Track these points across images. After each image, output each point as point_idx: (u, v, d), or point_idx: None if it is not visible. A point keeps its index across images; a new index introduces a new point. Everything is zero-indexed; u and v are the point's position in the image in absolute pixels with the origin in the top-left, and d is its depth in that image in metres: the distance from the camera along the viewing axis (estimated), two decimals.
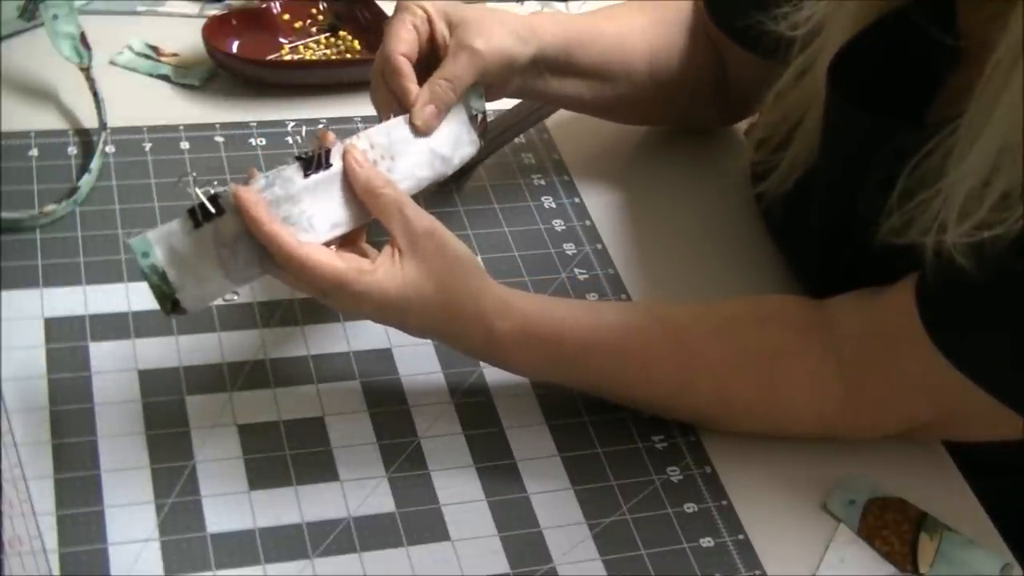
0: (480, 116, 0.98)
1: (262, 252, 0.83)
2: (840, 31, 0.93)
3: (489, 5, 1.32)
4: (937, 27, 0.88)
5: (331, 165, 0.87)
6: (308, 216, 0.85)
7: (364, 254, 0.88)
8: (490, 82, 0.98)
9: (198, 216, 0.82)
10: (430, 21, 0.96)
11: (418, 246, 0.86)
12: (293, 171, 0.85)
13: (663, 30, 1.10)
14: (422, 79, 0.95)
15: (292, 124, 1.13)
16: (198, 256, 0.82)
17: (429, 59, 0.97)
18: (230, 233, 0.83)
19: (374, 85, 0.96)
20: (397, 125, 0.93)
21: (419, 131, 0.93)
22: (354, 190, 0.87)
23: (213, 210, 0.82)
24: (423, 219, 0.87)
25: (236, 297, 0.96)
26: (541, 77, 1.03)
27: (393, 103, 0.94)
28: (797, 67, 0.97)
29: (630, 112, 1.14)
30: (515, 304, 0.89)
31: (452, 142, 0.96)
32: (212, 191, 0.83)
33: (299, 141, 1.11)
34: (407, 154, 0.92)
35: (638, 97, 1.10)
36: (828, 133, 0.95)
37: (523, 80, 1.02)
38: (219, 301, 0.94)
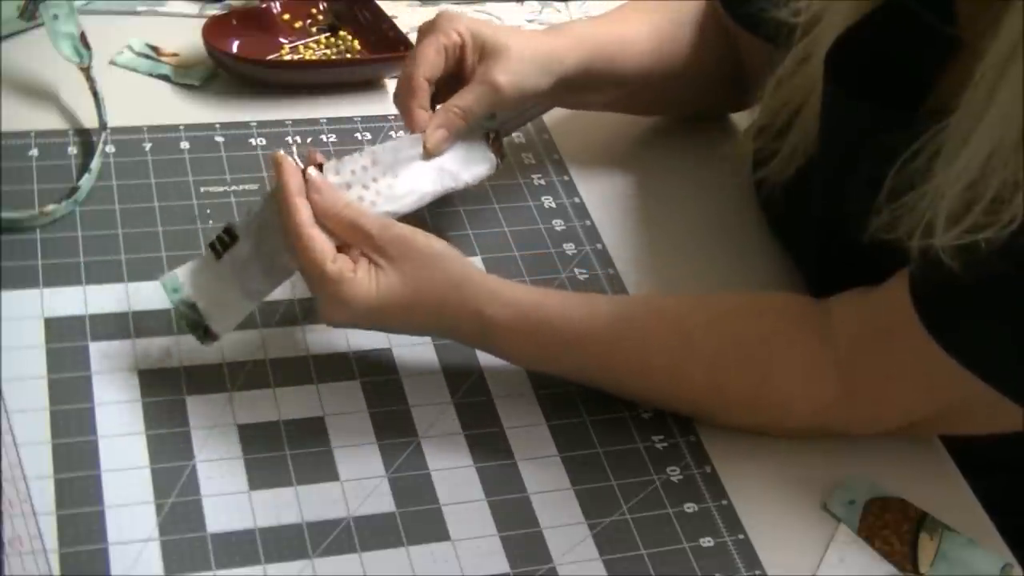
0: (493, 135, 1.00)
1: (268, 265, 0.89)
2: (840, 18, 0.93)
3: (488, 6, 1.32)
4: (935, 16, 0.88)
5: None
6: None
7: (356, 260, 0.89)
8: (503, 109, 1.00)
9: (218, 248, 0.89)
10: (463, 47, 0.98)
11: (386, 254, 0.88)
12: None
13: (675, 30, 1.11)
14: (445, 97, 0.97)
15: (291, 123, 1.13)
16: (221, 284, 0.89)
17: (454, 81, 0.98)
18: (244, 256, 0.89)
19: (396, 98, 0.98)
20: (407, 144, 0.95)
21: (429, 153, 0.95)
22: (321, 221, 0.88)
23: (228, 240, 0.89)
24: (386, 230, 0.88)
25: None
26: (557, 96, 1.06)
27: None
28: (798, 53, 0.98)
29: (639, 107, 1.17)
30: (505, 291, 0.90)
31: (462, 159, 0.98)
32: (226, 223, 0.90)
33: (298, 141, 1.12)
34: (412, 169, 0.94)
35: (650, 95, 1.12)
36: (825, 122, 0.95)
37: (538, 99, 1.05)
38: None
